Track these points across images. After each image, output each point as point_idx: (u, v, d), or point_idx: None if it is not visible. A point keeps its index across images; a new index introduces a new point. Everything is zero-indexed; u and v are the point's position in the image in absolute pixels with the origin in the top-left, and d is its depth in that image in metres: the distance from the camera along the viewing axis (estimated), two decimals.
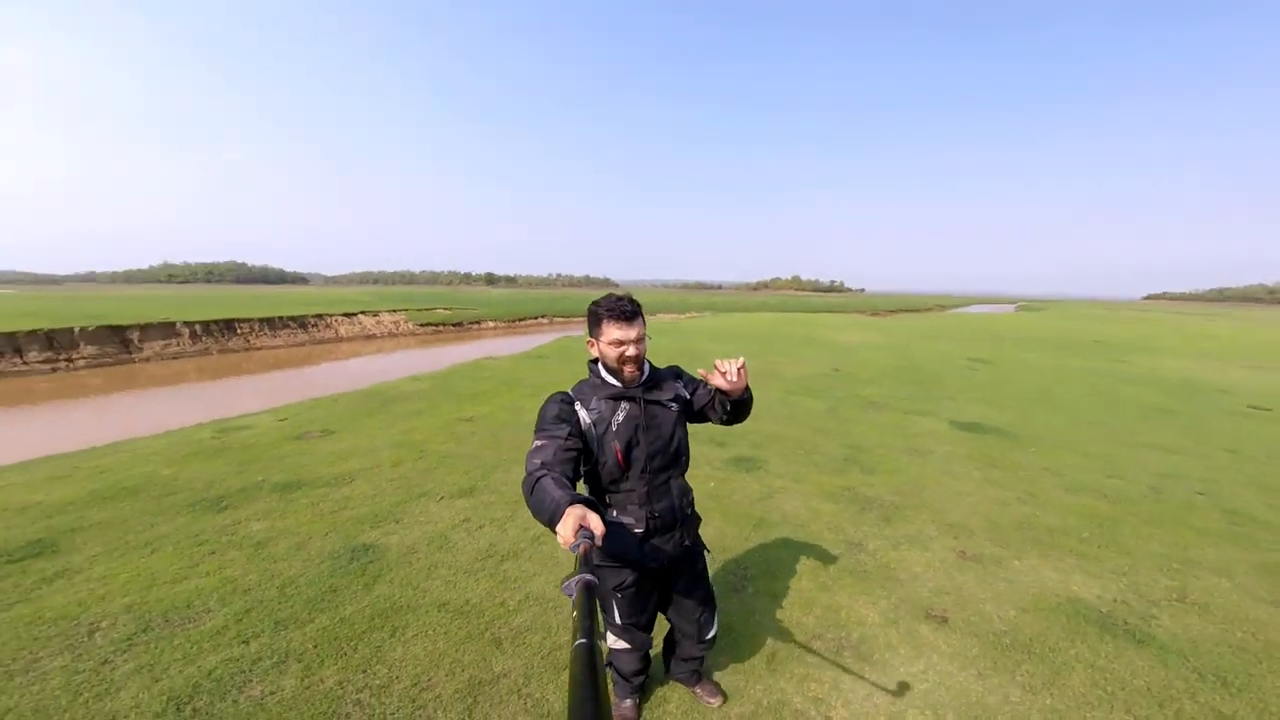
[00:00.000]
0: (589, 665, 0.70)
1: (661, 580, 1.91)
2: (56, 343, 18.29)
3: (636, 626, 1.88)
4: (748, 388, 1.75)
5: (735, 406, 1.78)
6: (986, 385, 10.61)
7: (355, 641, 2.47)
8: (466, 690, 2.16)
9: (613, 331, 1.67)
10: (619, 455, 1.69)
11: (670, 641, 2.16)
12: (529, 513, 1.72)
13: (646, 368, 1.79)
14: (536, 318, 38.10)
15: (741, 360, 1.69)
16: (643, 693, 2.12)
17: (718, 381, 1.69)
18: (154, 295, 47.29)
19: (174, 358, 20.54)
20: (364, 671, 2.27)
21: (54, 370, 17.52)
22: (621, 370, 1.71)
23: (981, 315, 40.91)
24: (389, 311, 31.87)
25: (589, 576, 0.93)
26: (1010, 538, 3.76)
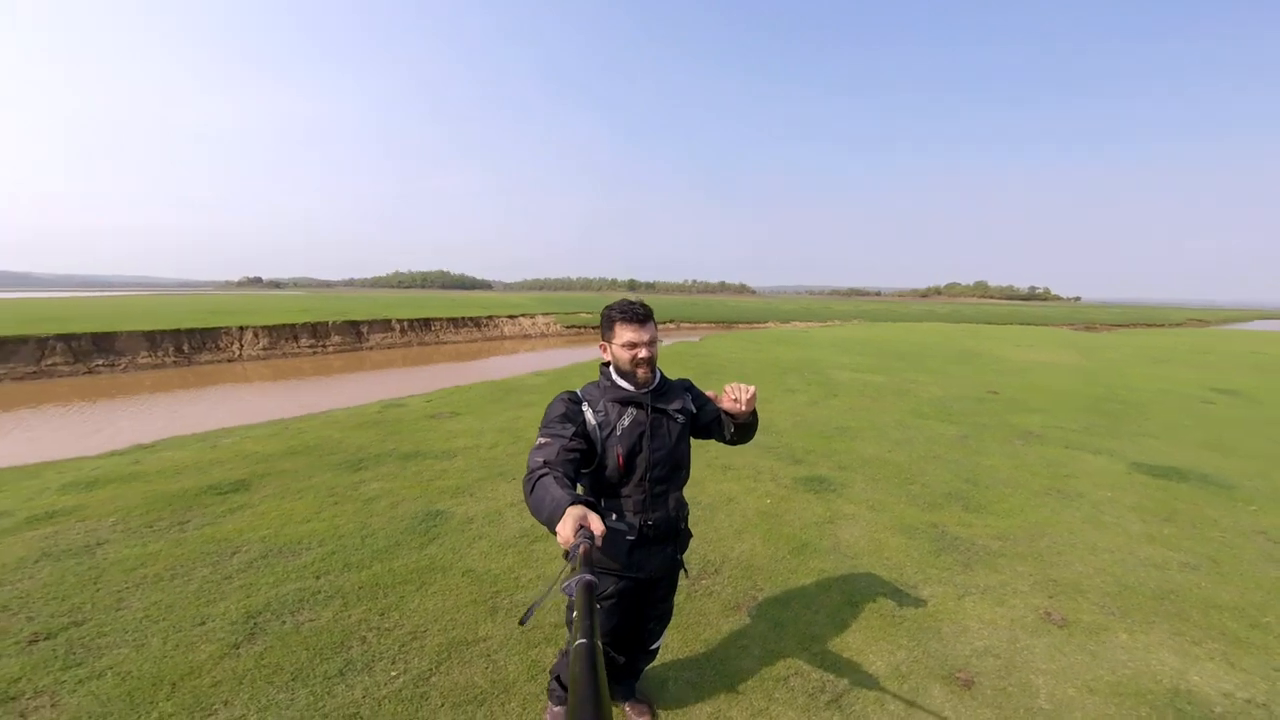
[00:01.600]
0: (590, 664, 0.69)
1: (641, 593, 1.84)
2: (318, 332, 23.79)
3: (613, 639, 1.84)
4: (754, 413, 1.75)
5: (740, 429, 1.78)
6: (1221, 423, 8.10)
7: (389, 590, 2.88)
8: (446, 646, 2.40)
9: (625, 334, 1.67)
10: (620, 460, 1.67)
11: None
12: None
13: (658, 375, 1.78)
14: (665, 323, 39.13)
15: (752, 390, 1.68)
16: None
17: (726, 404, 1.70)
18: (382, 297, 58.48)
19: (389, 347, 25.33)
20: (381, 615, 2.65)
21: (314, 353, 22.82)
22: (635, 373, 1.69)
23: (1261, 333, 30.53)
24: (543, 315, 35.37)
25: (589, 577, 0.93)
26: (1138, 607, 2.90)
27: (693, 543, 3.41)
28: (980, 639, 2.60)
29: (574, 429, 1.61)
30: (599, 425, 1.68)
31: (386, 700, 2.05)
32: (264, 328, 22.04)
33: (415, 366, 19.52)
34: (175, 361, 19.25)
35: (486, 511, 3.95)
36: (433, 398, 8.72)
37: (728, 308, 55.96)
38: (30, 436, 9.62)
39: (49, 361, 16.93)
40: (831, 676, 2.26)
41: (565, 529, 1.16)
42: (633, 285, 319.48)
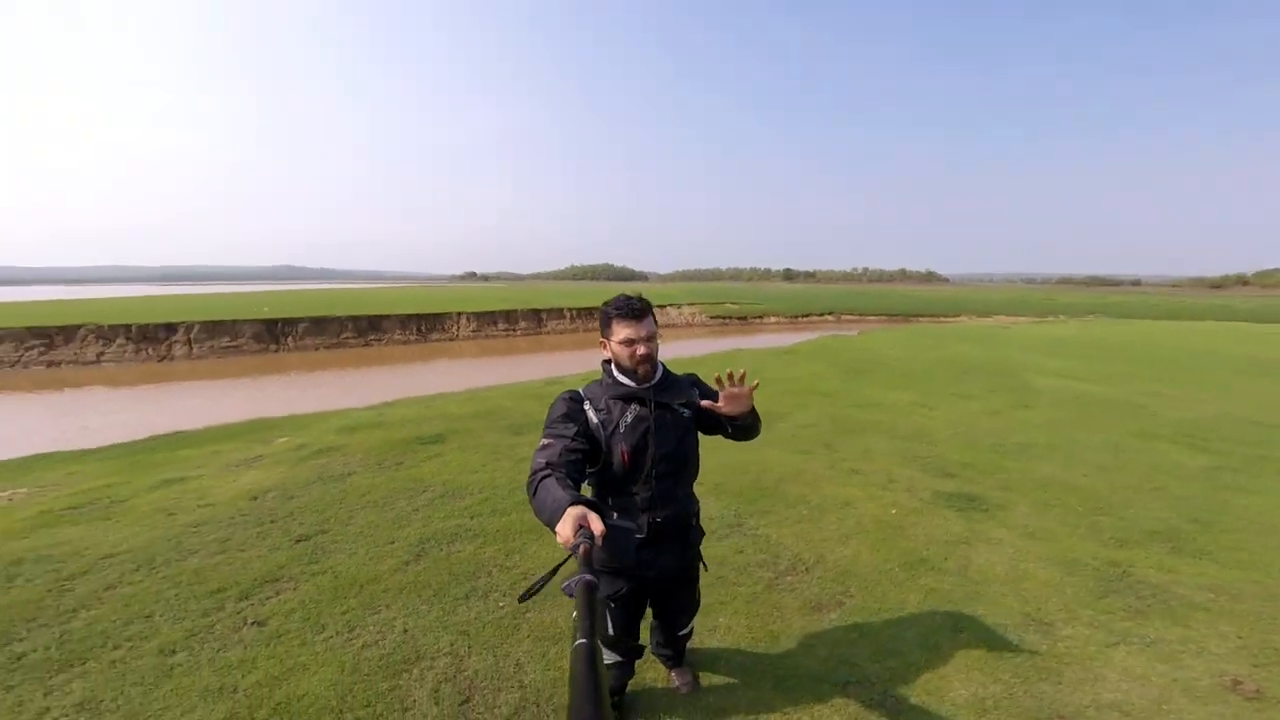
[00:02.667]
0: (589, 664, 0.69)
1: (654, 591, 1.84)
2: (510, 318, 27.57)
3: (628, 636, 1.82)
4: (753, 412, 1.69)
5: (738, 428, 1.71)
6: None
7: (517, 536, 3.39)
8: (545, 590, 2.78)
9: (622, 330, 1.63)
10: (625, 458, 1.61)
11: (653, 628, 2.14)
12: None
13: (660, 369, 1.72)
14: (823, 314, 36.14)
15: (755, 383, 1.63)
16: (620, 709, 1.98)
17: (723, 406, 1.62)
18: (559, 288, 64.72)
19: (561, 332, 28.22)
20: (506, 555, 3.15)
21: (507, 335, 26.51)
22: (635, 370, 1.64)
23: None
24: (689, 305, 35.64)
25: (590, 577, 0.94)
26: None
27: (788, 538, 3.35)
28: (1113, 691, 2.14)
29: (576, 429, 1.57)
30: (602, 424, 1.63)
31: (489, 625, 2.47)
32: (473, 314, 26.32)
33: (579, 350, 21.44)
34: (416, 339, 24.08)
35: None
36: (588, 377, 9.62)
37: (905, 298, 49.95)
38: (320, 393, 12.96)
39: (344, 335, 22.49)
40: (896, 693, 2.09)
41: (565, 529, 1.13)
42: (789, 275, 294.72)
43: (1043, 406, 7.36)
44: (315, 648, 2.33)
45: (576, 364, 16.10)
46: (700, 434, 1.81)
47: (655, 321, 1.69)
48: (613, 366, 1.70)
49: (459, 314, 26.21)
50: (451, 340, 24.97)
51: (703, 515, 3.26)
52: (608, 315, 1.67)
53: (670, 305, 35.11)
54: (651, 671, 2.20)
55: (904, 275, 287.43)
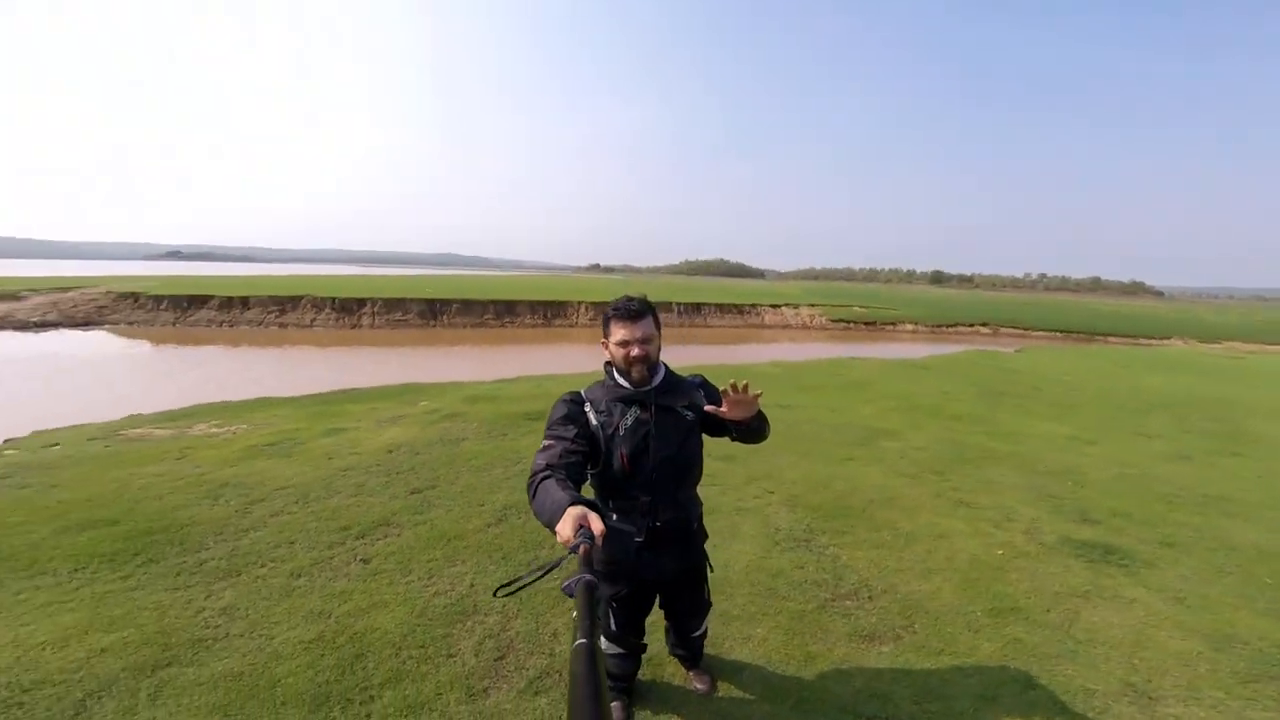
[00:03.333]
0: (589, 664, 0.69)
1: (655, 593, 1.83)
2: None
3: (632, 632, 1.83)
4: (759, 416, 1.65)
5: (743, 433, 1.67)
6: None
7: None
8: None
9: (619, 331, 1.61)
10: (624, 461, 1.58)
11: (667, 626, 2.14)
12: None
13: (662, 371, 1.70)
14: (973, 325, 31.33)
15: (758, 391, 1.56)
16: (631, 695, 1.98)
17: (729, 411, 1.57)
18: (672, 282, 65.15)
19: (668, 326, 28.49)
20: None
21: (539, 325, 27.66)
22: (630, 371, 1.62)
23: None
24: (807, 306, 33.66)
25: (590, 577, 0.92)
26: None
27: (859, 562, 3.14)
28: None
29: (576, 430, 1.55)
30: (601, 426, 1.60)
31: (540, 593, 2.64)
32: (590, 303, 27.78)
33: (679, 345, 21.58)
34: (542, 324, 26.24)
35: None
36: (690, 368, 9.72)
37: (1090, 312, 41.87)
38: (460, 365, 14.66)
39: (486, 316, 25.36)
40: None
41: (565, 529, 1.12)
42: (938, 278, 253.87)
43: (1259, 456, 5.87)
44: (398, 588, 2.70)
45: (674, 357, 16.26)
46: (709, 436, 1.76)
47: (657, 324, 1.67)
48: (613, 368, 1.68)
49: (579, 303, 27.91)
50: (571, 326, 26.69)
51: (771, 526, 2.95)
52: (606, 316, 1.66)
53: (786, 305, 33.46)
54: (671, 666, 2.22)
55: (1098, 285, 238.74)
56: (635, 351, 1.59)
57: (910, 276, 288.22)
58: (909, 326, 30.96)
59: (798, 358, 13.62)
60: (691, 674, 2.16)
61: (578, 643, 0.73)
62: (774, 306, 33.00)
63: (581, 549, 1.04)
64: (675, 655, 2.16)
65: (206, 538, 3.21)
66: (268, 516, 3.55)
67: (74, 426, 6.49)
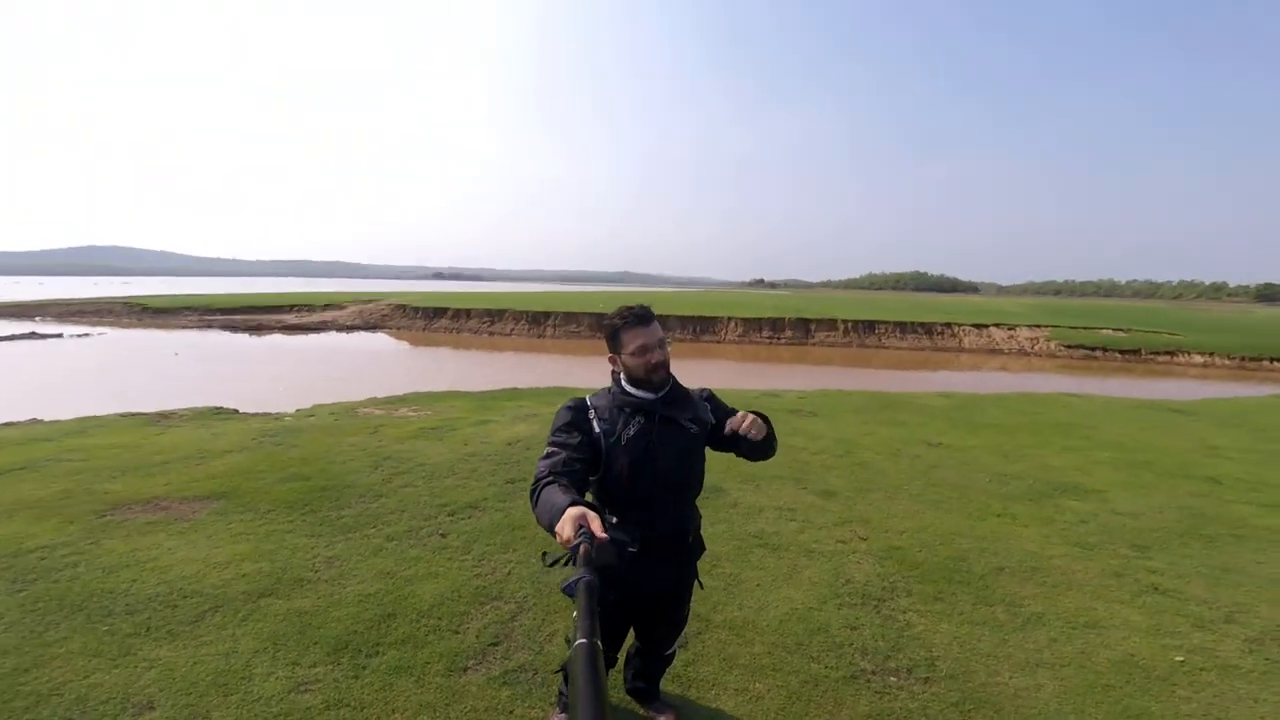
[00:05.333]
0: (591, 664, 0.70)
1: (645, 604, 1.75)
2: (775, 326, 27.51)
3: (609, 644, 1.75)
4: (770, 436, 1.62)
5: (751, 448, 1.64)
6: None
7: None
8: None
9: (636, 339, 1.58)
10: (625, 470, 1.57)
11: (630, 654, 2.01)
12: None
13: (671, 381, 1.67)
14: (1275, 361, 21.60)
15: (751, 418, 1.56)
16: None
17: (739, 426, 1.56)
18: (843, 297, 59.92)
19: (830, 345, 26.44)
20: None
21: (770, 343, 26.58)
22: (651, 378, 1.59)
23: None
24: (1029, 326, 27.41)
25: (591, 577, 0.94)
26: None
27: (939, 638, 2.53)
28: None
29: (580, 438, 1.55)
30: (604, 434, 1.58)
31: (560, 595, 2.68)
32: (741, 319, 27.30)
33: (845, 367, 19.66)
34: (690, 338, 26.77)
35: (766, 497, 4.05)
36: (808, 395, 8.90)
37: None
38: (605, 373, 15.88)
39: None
40: None
41: (566, 529, 1.13)
42: (1265, 291, 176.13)
43: None
44: (453, 564, 3.02)
45: (833, 378, 14.88)
46: (717, 451, 1.74)
47: (661, 329, 1.65)
48: (623, 378, 1.65)
49: (729, 318, 27.61)
50: (719, 342, 26.57)
51: (842, 577, 2.81)
52: (614, 328, 1.62)
53: (999, 325, 27.97)
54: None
55: None
56: (656, 357, 1.58)
57: (1215, 290, 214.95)
58: (1197, 357, 22.91)
59: (994, 388, 11.29)
60: (651, 709, 2.00)
61: (578, 642, 0.73)
62: (978, 327, 27.82)
63: (581, 549, 1.05)
64: (633, 690, 2.03)
65: (352, 498, 4.04)
66: (400, 487, 4.31)
67: (335, 402, 8.75)
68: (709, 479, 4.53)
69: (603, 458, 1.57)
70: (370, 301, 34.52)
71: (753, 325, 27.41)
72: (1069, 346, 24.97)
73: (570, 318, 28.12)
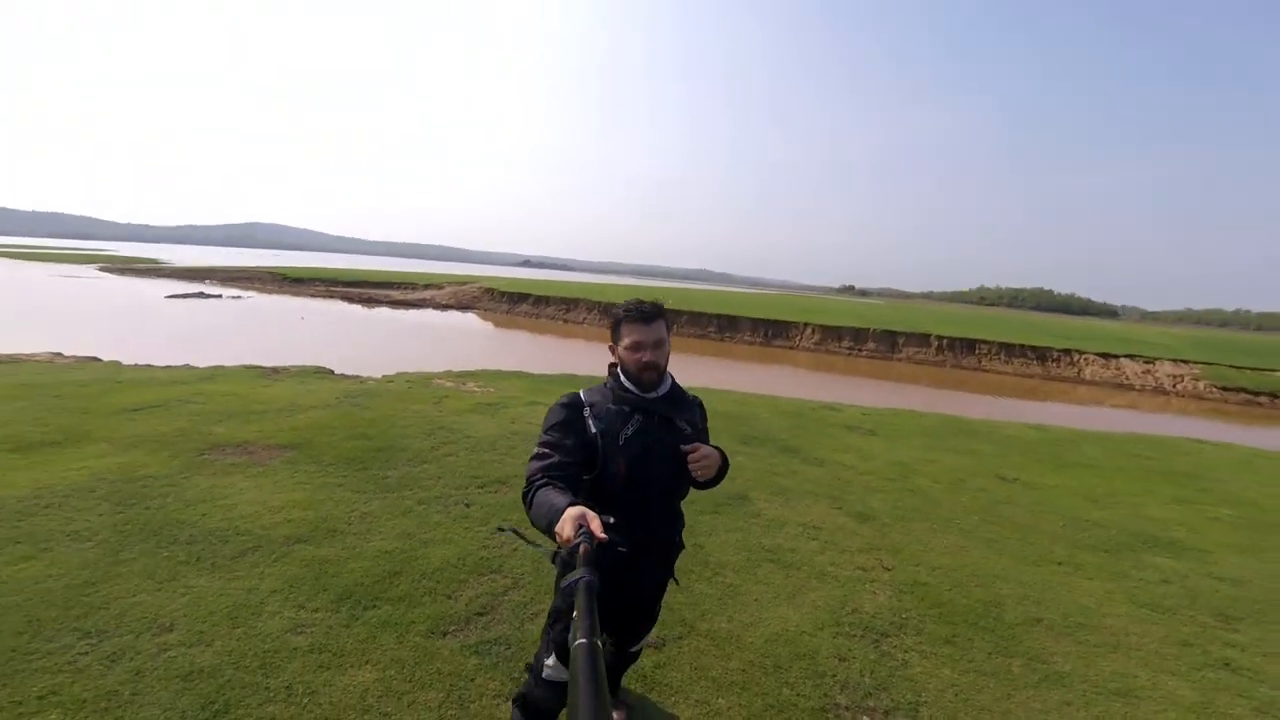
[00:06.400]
0: (591, 664, 0.69)
1: (628, 602, 1.68)
2: (858, 336, 25.90)
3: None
4: (718, 476, 1.57)
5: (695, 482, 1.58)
6: None
7: None
8: None
9: (632, 334, 1.55)
10: (622, 469, 1.51)
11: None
12: None
13: (669, 381, 1.64)
14: None
15: (703, 456, 1.48)
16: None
17: (685, 452, 1.50)
18: (939, 310, 54.79)
19: (919, 363, 24.37)
20: None
21: (849, 355, 25.08)
22: (640, 377, 1.56)
23: None
24: (1172, 361, 23.40)
25: (590, 577, 0.93)
26: None
27: (934, 684, 2.31)
28: None
29: (575, 438, 1.49)
30: (600, 434, 1.52)
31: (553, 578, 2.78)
32: (819, 326, 25.93)
33: (932, 387, 18.08)
34: (760, 342, 25.91)
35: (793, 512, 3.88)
36: (871, 413, 8.30)
37: None
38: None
39: (709, 329, 26.53)
40: None
41: (566, 529, 1.11)
42: None
43: None
44: (468, 534, 3.19)
45: (911, 397, 13.75)
46: None
47: (668, 329, 1.60)
48: (620, 371, 1.62)
49: (805, 325, 26.28)
50: (791, 349, 25.43)
51: (849, 605, 2.74)
52: (617, 318, 1.60)
53: (1133, 356, 23.85)
54: None
55: None
56: (647, 356, 1.54)
57: None
58: None
59: (1103, 425, 9.87)
60: (618, 694, 2.01)
61: (578, 642, 0.73)
62: (1106, 357, 24.02)
63: (581, 548, 1.04)
64: None
65: (401, 461, 4.39)
66: (444, 455, 4.63)
67: (415, 372, 9.52)
68: (735, 486, 4.42)
69: (598, 458, 1.51)
70: (464, 284, 37.20)
71: (831, 333, 25.92)
72: (1225, 389, 20.96)
73: None
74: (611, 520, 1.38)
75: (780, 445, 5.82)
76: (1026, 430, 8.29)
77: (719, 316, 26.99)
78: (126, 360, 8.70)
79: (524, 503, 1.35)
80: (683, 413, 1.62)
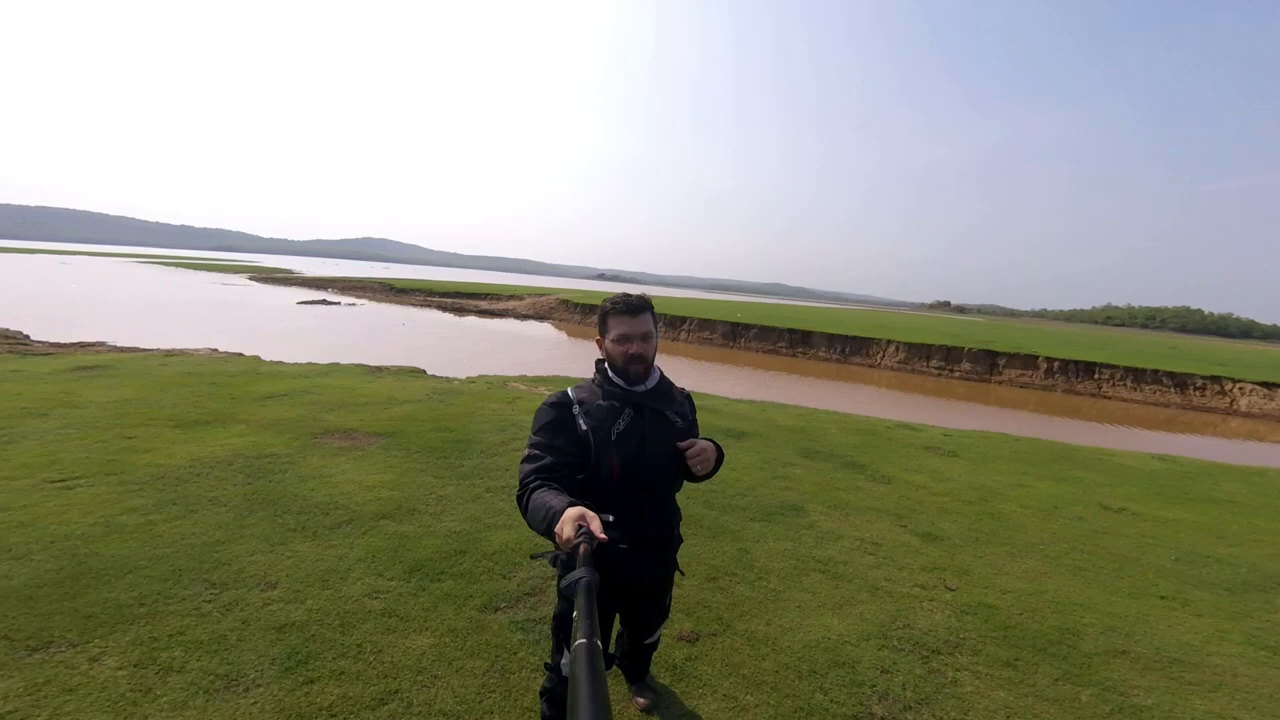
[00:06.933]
0: (591, 665, 0.69)
1: (631, 598, 1.72)
2: (950, 356, 23.87)
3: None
4: (714, 469, 1.59)
5: (692, 475, 1.59)
6: None
7: (724, 539, 3.61)
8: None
9: (618, 327, 1.54)
10: (616, 465, 1.49)
11: (620, 643, 2.02)
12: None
13: (657, 374, 1.62)
14: None
15: (700, 449, 1.51)
16: None
17: (682, 448, 1.53)
18: (1056, 331, 48.86)
19: (1022, 386, 21.97)
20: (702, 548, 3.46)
21: (939, 375, 23.19)
22: (626, 370, 1.55)
23: None
24: None
25: (590, 577, 0.92)
26: None
27: (979, 703, 2.17)
28: None
29: (565, 437, 1.48)
30: (591, 430, 1.49)
31: None
32: (904, 344, 24.19)
33: (1037, 414, 16.25)
34: (836, 358, 24.66)
35: (851, 526, 3.77)
36: (955, 434, 7.67)
37: None
38: (728, 380, 15.59)
39: (780, 344, 25.73)
40: None
41: (566, 529, 1.11)
42: None
43: None
44: (523, 522, 3.42)
45: (1009, 422, 12.46)
46: None
47: (656, 324, 1.61)
48: (607, 367, 1.61)
49: (887, 341, 24.57)
50: (871, 367, 23.87)
51: (900, 620, 2.67)
52: (604, 311, 1.59)
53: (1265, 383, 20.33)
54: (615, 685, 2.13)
55: None
56: (633, 349, 1.53)
57: None
58: None
59: (1255, 460, 8.39)
60: (633, 688, 2.06)
61: (578, 643, 0.73)
62: (1269, 386, 19.73)
63: (581, 548, 1.04)
64: (621, 665, 2.08)
65: (475, 453, 4.79)
66: (513, 450, 4.96)
67: (494, 375, 10.26)
68: (790, 497, 4.35)
69: (591, 455, 1.49)
70: (542, 295, 39.26)
71: (918, 351, 23.96)
72: None
73: (705, 324, 28.06)
74: (611, 519, 1.39)
75: (844, 461, 5.60)
76: (1148, 460, 7.25)
77: (791, 331, 25.97)
78: (265, 355, 10.16)
79: (518, 505, 1.34)
80: (673, 404, 1.63)
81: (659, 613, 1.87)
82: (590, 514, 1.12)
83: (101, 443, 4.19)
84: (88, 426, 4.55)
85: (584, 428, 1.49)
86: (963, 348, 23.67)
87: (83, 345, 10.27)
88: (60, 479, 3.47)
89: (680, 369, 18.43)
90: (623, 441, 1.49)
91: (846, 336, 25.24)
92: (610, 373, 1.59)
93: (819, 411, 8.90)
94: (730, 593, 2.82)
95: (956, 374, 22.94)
